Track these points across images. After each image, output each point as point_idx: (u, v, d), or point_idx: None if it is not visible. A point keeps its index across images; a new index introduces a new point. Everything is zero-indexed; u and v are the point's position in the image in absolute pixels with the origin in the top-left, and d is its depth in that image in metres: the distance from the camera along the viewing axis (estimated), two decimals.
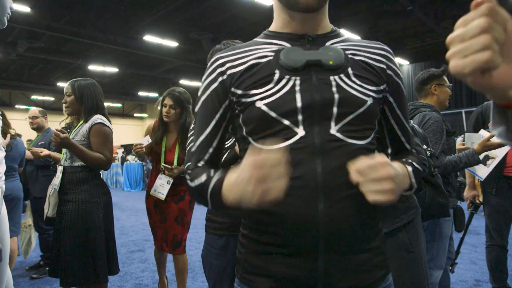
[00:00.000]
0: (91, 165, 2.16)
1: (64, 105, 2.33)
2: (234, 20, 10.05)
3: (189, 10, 9.13)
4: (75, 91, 2.27)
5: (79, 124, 2.29)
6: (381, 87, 0.82)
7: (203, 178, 0.78)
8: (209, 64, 0.88)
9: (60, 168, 2.22)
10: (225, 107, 0.84)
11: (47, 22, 9.04)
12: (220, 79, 0.84)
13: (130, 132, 22.55)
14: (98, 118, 2.21)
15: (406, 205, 1.41)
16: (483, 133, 2.23)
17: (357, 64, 0.81)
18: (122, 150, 15.99)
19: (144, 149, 2.65)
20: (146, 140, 2.67)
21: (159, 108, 2.71)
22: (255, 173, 0.60)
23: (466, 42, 0.46)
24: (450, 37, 0.48)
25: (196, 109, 0.89)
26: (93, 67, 12.58)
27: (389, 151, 0.93)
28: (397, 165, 0.76)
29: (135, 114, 23.37)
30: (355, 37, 5.99)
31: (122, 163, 13.82)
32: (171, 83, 15.64)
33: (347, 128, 0.77)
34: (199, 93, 0.88)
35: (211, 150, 0.84)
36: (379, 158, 0.69)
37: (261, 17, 8.85)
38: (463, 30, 0.47)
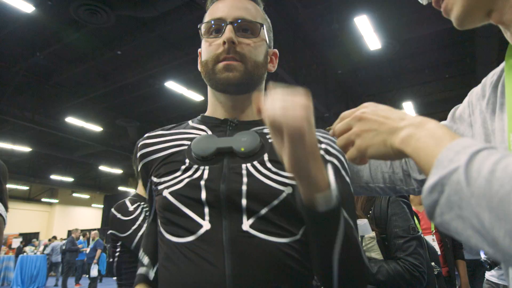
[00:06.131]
0: None
1: None
2: (163, 110, 10.25)
3: (118, 98, 9.15)
4: None
5: None
6: None
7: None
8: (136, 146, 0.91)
9: None
10: (149, 188, 0.85)
11: None
12: (142, 162, 0.84)
13: (34, 218, 19.96)
14: None
15: None
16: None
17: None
18: (20, 239, 13.80)
19: None
20: None
21: None
22: None
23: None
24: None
25: None
26: (1, 145, 11.50)
27: None
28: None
29: (43, 199, 20.86)
30: None
31: (16, 256, 11.81)
32: (89, 168, 14.78)
33: (263, 224, 0.68)
34: None
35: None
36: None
37: (191, 110, 9.19)
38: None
